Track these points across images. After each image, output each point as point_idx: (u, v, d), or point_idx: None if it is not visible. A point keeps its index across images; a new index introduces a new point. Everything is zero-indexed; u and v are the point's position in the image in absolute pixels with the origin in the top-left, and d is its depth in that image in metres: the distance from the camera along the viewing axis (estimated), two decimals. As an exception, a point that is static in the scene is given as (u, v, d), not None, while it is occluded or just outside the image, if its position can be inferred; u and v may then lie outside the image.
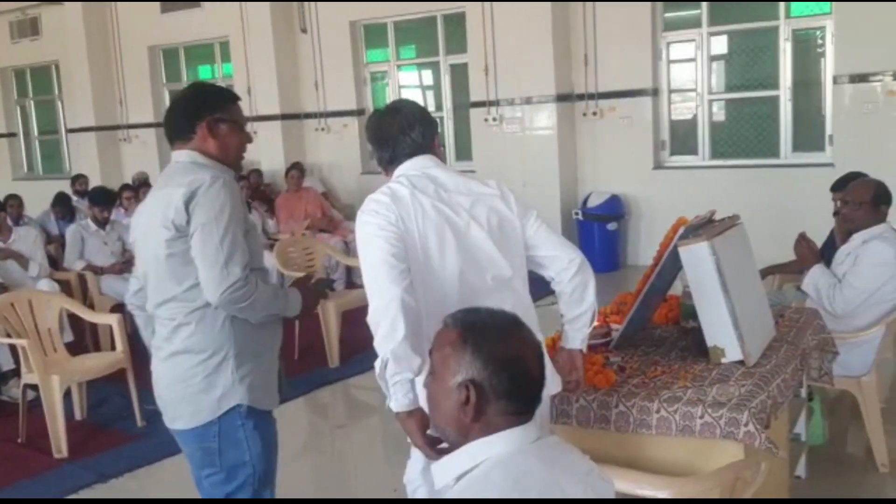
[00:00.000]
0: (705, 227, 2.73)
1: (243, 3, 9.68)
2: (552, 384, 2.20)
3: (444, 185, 2.28)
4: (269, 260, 6.84)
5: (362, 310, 5.97)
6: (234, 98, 2.44)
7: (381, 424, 5.08)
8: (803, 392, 3.11)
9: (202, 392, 2.25)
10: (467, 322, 1.53)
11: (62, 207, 7.82)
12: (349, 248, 7.72)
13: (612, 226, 7.93)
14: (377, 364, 2.09)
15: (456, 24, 8.97)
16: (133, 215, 2.46)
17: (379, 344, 2.08)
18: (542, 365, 1.53)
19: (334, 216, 8.32)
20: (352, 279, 7.55)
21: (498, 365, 1.47)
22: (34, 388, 4.47)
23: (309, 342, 5.70)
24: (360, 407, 5.49)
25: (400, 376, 2.05)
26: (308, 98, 9.89)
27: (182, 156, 2.34)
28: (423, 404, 2.04)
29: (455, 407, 1.48)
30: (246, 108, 9.97)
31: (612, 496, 1.58)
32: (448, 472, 1.51)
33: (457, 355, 1.49)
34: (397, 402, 2.06)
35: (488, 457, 1.45)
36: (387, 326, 2.06)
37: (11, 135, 12.71)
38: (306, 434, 5.00)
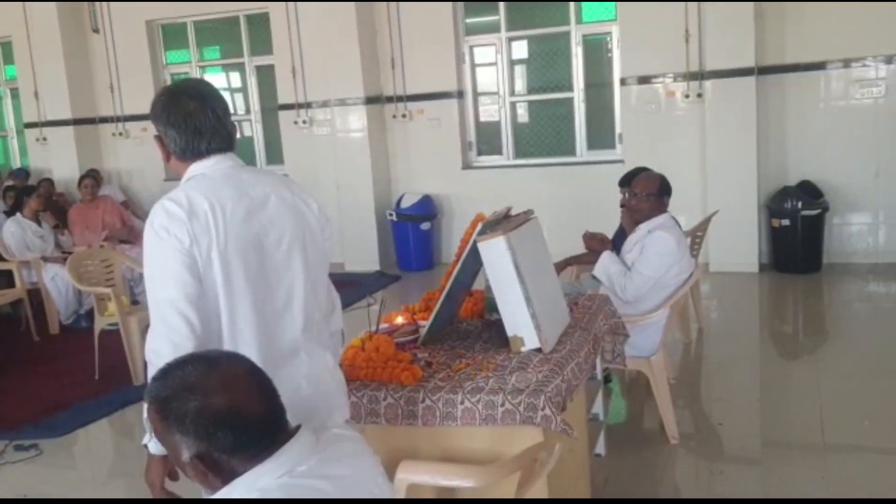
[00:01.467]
0: (502, 222, 2.83)
1: (25, 2, 8.96)
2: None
3: (252, 197, 2.01)
4: (65, 274, 6.39)
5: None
6: None
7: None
8: (599, 374, 3.30)
9: None
10: (159, 398, 1.43)
11: None
12: (154, 259, 7.36)
13: (425, 225, 8.07)
14: (146, 407, 1.97)
15: (260, 25, 8.77)
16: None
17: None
18: (265, 392, 1.45)
19: (135, 225, 7.88)
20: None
21: (210, 430, 1.38)
22: None
23: (111, 360, 5.37)
24: (171, 424, 5.24)
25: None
26: (103, 102, 9.32)
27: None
28: None
29: (199, 478, 1.42)
30: (34, 112, 9.32)
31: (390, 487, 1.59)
32: None
33: (167, 434, 1.42)
34: (156, 446, 1.91)
35: (264, 486, 1.40)
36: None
37: None
38: (112, 457, 4.71)
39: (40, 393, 5.23)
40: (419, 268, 8.04)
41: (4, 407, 4.99)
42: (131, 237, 7.49)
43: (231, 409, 1.38)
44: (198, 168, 2.02)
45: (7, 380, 5.51)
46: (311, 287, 2.10)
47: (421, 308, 3.20)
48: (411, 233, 8.03)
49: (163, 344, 1.88)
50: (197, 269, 1.90)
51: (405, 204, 8.08)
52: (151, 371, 1.88)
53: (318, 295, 2.14)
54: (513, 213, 3.02)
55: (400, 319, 3.08)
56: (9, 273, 6.78)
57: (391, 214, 8.08)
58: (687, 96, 7.21)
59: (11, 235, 6.92)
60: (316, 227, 2.14)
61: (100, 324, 5.51)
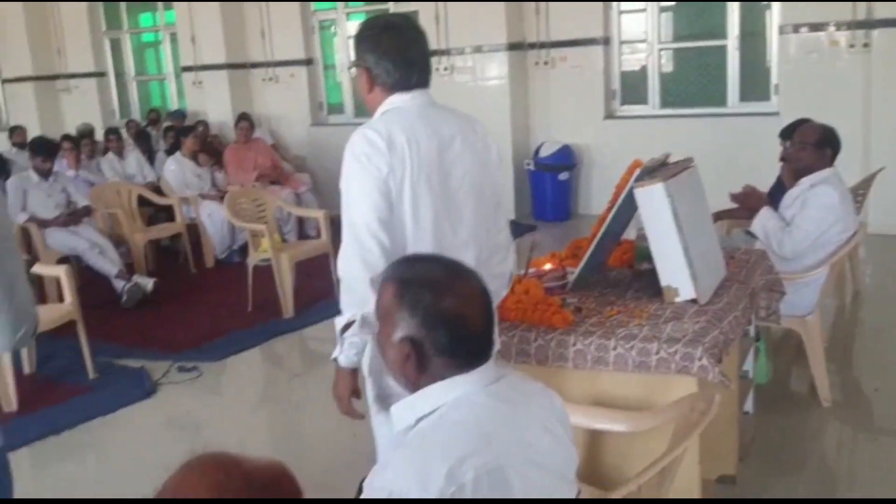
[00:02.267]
0: (660, 169, 2.76)
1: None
2: None
3: (442, 135, 2.13)
4: (221, 212, 6.76)
5: (315, 261, 6.00)
6: None
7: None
8: (752, 331, 3.20)
9: None
10: (403, 277, 1.49)
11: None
12: (300, 200, 7.67)
13: (563, 175, 7.99)
14: (339, 320, 2.10)
15: (407, -28, 8.82)
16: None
17: (348, 305, 2.07)
18: (488, 315, 1.49)
19: (284, 168, 8.22)
20: (304, 231, 7.50)
21: (435, 322, 1.43)
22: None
23: (263, 294, 5.66)
24: (316, 356, 5.49)
25: (358, 338, 2.07)
26: (254, 47, 9.66)
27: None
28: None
29: (399, 360, 1.48)
30: (191, 57, 9.77)
31: (570, 434, 1.60)
32: (407, 416, 1.50)
33: (394, 311, 1.47)
34: (347, 358, 2.09)
35: (445, 401, 1.45)
36: (360, 293, 2.02)
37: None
38: (262, 385, 5.00)
39: (198, 321, 5.60)
40: (555, 218, 7.99)
41: (167, 331, 5.38)
42: (281, 179, 7.82)
43: (459, 315, 1.44)
44: (397, 101, 2.13)
45: (169, 307, 5.92)
46: (483, 226, 2.21)
47: (568, 255, 3.18)
48: (549, 183, 7.98)
49: (355, 263, 2.03)
50: (390, 197, 2.04)
51: (544, 153, 8.01)
52: (343, 288, 2.07)
53: (489, 235, 2.24)
54: (670, 160, 2.94)
55: (548, 266, 3.09)
56: (170, 209, 7.23)
57: (529, 164, 8.04)
58: (852, 46, 6.74)
59: (172, 173, 7.36)
60: (493, 170, 2.25)
61: (253, 259, 5.81)
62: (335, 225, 5.93)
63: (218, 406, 4.57)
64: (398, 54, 2.08)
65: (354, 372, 2.13)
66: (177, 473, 0.96)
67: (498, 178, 2.31)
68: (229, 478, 0.92)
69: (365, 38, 2.13)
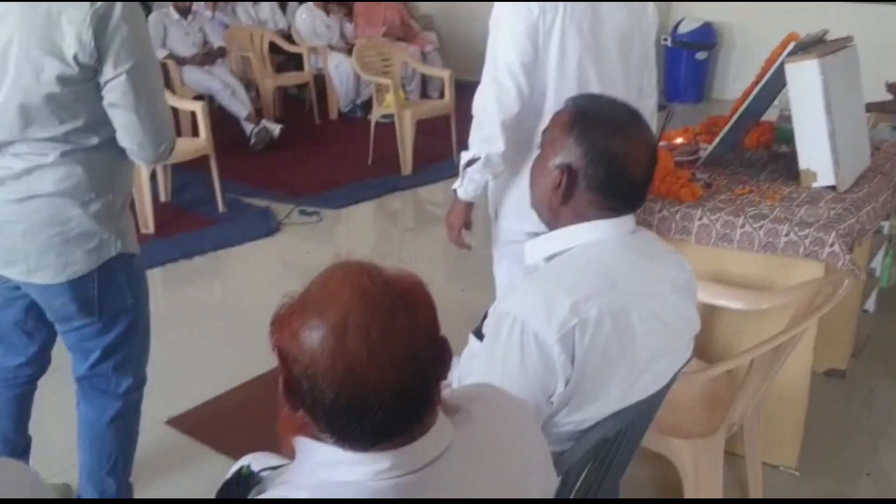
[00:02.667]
0: (816, 45, 2.59)
1: None
2: None
3: None
4: (347, 64, 6.81)
5: (437, 120, 6.02)
6: None
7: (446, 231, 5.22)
8: (886, 228, 3.05)
9: (74, 241, 1.88)
10: (581, 108, 1.50)
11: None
12: (426, 59, 7.60)
13: (701, 55, 7.60)
14: (465, 154, 2.18)
15: None
16: None
17: (476, 141, 2.14)
18: (649, 169, 1.49)
19: (412, 25, 8.12)
20: (427, 91, 7.48)
21: (598, 156, 1.44)
22: (122, 167, 4.65)
23: (383, 149, 5.75)
24: (429, 215, 5.60)
25: (480, 174, 2.16)
26: None
27: None
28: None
29: (548, 187, 1.49)
30: None
31: (695, 300, 1.60)
32: (540, 251, 1.54)
33: (561, 138, 1.48)
34: (465, 191, 2.22)
35: (580, 242, 1.47)
36: (489, 132, 2.09)
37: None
38: (375, 236, 5.17)
39: (320, 169, 5.76)
40: (687, 99, 7.67)
41: (291, 177, 5.57)
42: (408, 36, 7.75)
43: (625, 156, 1.44)
44: None
45: (293, 154, 6.10)
46: (631, 86, 2.22)
47: (703, 130, 3.07)
48: (685, 61, 7.61)
49: (491, 101, 2.07)
50: (538, 41, 2.05)
51: (682, 30, 7.61)
52: (474, 125, 2.12)
53: (636, 96, 2.23)
54: (828, 38, 2.75)
55: (679, 140, 3.00)
56: (298, 57, 7.33)
57: (666, 39, 7.66)
58: None
59: (303, 22, 7.40)
60: (647, 30, 2.24)
61: (376, 114, 5.87)
62: (460, 87, 5.95)
63: (334, 250, 4.76)
64: None
65: (470, 205, 2.26)
66: (322, 274, 1.02)
67: (651, 41, 2.29)
68: (372, 281, 0.96)
69: None
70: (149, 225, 4.47)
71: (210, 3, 7.24)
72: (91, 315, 1.99)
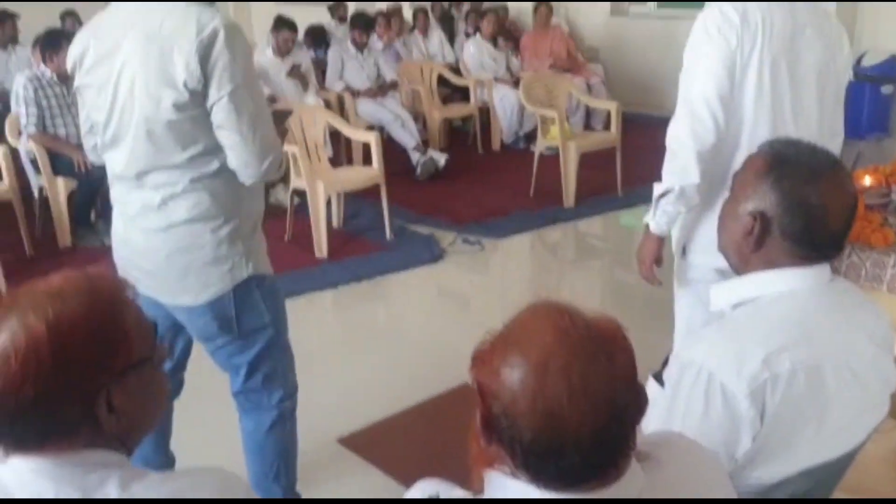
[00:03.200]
0: None
1: None
2: None
3: (797, 22, 2.06)
4: (512, 96, 6.91)
5: (601, 153, 5.95)
6: None
7: (609, 266, 5.17)
8: None
9: (211, 264, 2.01)
10: (779, 153, 1.44)
11: (314, 38, 8.20)
12: (591, 90, 7.59)
13: (886, 89, 7.14)
14: (658, 186, 2.15)
15: None
16: (82, 55, 2.01)
17: (669, 172, 2.11)
18: (849, 218, 1.41)
19: (578, 57, 8.14)
20: (590, 123, 7.46)
21: (795, 205, 1.38)
22: (300, 193, 4.93)
23: (546, 181, 5.78)
24: (590, 248, 5.58)
25: (673, 207, 2.12)
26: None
27: None
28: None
29: (739, 233, 1.45)
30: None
31: (891, 354, 1.51)
32: (727, 297, 1.49)
33: (755, 183, 1.43)
34: (657, 224, 2.17)
35: (771, 291, 1.42)
36: (684, 163, 2.06)
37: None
38: (536, 267, 5.19)
39: (483, 199, 5.86)
40: (871, 135, 7.21)
41: (455, 205, 5.70)
42: (574, 68, 7.77)
43: (823, 206, 1.38)
44: None
45: (457, 183, 6.25)
46: (823, 124, 2.13)
47: (894, 171, 2.90)
48: (868, 95, 7.16)
49: (684, 132, 2.05)
50: (734, 73, 2.02)
51: (867, 63, 7.17)
52: (667, 156, 2.10)
53: (826, 136, 2.15)
54: None
55: (868, 180, 2.84)
56: (465, 89, 7.51)
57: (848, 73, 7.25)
58: None
59: (470, 55, 7.59)
60: (842, 68, 2.16)
61: (540, 146, 5.92)
62: (625, 119, 5.90)
63: (495, 279, 4.84)
64: None
65: (661, 239, 2.21)
66: (522, 313, 1.05)
67: (845, 79, 2.19)
68: (573, 324, 0.98)
69: None
70: (322, 249, 4.71)
71: (384, 38, 7.55)
72: (230, 333, 2.10)
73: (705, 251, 2.12)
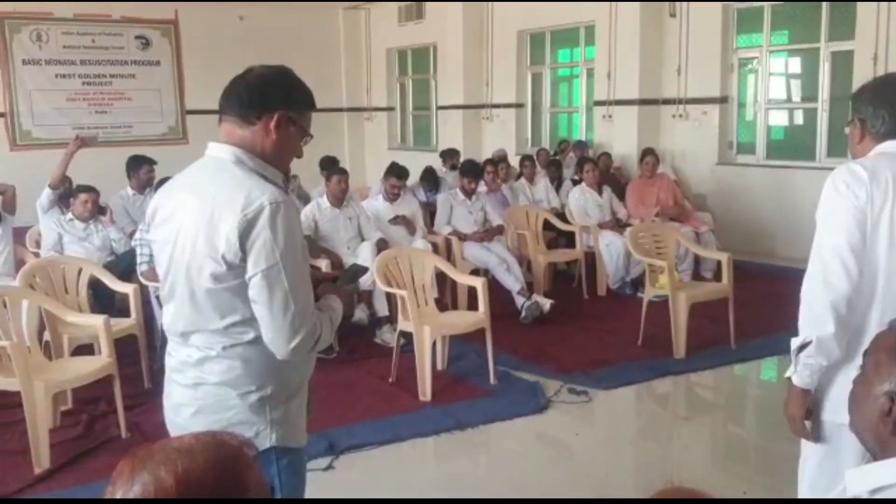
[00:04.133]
0: None
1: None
2: None
3: None
4: (619, 243, 6.91)
5: (711, 304, 5.80)
6: (314, 106, 2.12)
7: (723, 421, 4.93)
8: None
9: (234, 428, 1.94)
10: None
11: (429, 180, 8.56)
12: (700, 240, 7.51)
13: None
14: (795, 340, 2.15)
15: (843, 9, 8.20)
16: (155, 210, 2.09)
17: (805, 324, 2.13)
18: None
19: (686, 205, 8.12)
20: (699, 271, 7.34)
21: None
22: (406, 335, 4.98)
23: (654, 329, 5.65)
24: (703, 402, 5.34)
25: (814, 360, 2.11)
26: (668, 84, 9.71)
27: (224, 152, 1.98)
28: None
29: (875, 415, 1.37)
30: (604, 91, 10.12)
31: None
32: (864, 482, 1.39)
33: (889, 363, 1.37)
34: (801, 378, 2.15)
35: None
36: (818, 312, 2.08)
37: (390, 109, 14.16)
38: (646, 422, 4.99)
39: (588, 346, 5.76)
40: None
41: (560, 351, 5.62)
42: (682, 216, 7.74)
43: None
44: (886, 147, 2.17)
45: (562, 329, 6.18)
46: None
47: None
48: None
49: (817, 282, 2.09)
50: (865, 225, 2.07)
51: None
52: (802, 308, 2.13)
53: None
54: None
55: None
56: (570, 235, 7.57)
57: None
58: None
59: (575, 201, 7.68)
60: None
61: (649, 294, 5.83)
62: (735, 268, 5.78)
63: (602, 433, 4.66)
64: (890, 100, 2.17)
65: (807, 392, 2.18)
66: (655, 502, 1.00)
67: None
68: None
69: (869, 90, 2.25)
70: (426, 393, 4.69)
71: (491, 184, 7.76)
72: None
73: (837, 409, 2.07)
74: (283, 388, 2.02)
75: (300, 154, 2.09)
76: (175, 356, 2.06)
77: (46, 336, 4.67)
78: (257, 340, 1.95)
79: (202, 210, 1.91)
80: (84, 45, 11.89)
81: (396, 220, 6.42)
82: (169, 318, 2.05)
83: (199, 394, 2.01)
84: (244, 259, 1.88)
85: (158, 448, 1.12)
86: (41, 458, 3.83)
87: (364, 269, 2.40)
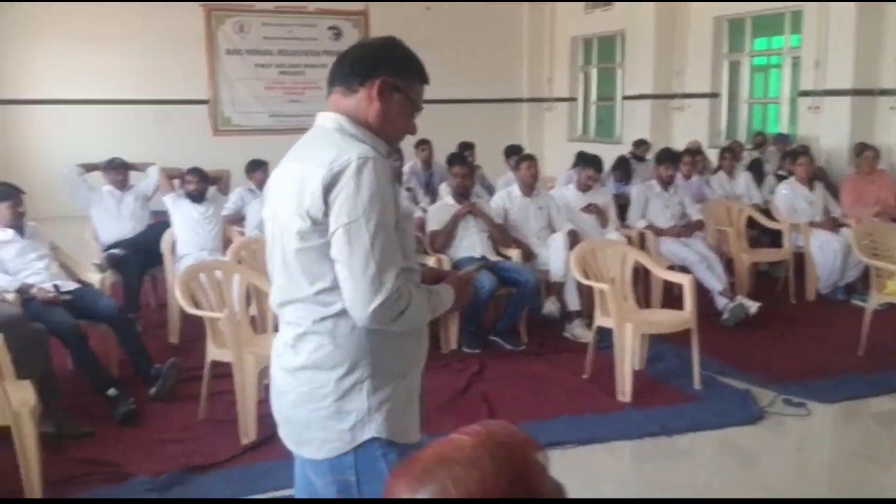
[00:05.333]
0: None
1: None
2: None
3: None
4: (835, 243, 6.30)
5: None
6: (424, 78, 1.96)
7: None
8: None
9: (332, 418, 1.83)
10: None
11: (622, 170, 8.20)
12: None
13: None
14: None
15: None
16: (268, 187, 2.00)
17: None
18: None
19: (909, 204, 7.31)
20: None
21: None
22: (603, 331, 4.73)
23: (879, 340, 5.09)
24: (938, 427, 4.73)
25: None
26: (886, 73, 8.79)
27: (328, 121, 1.90)
28: None
29: None
30: (810, 81, 9.34)
31: None
32: None
33: None
34: None
35: None
36: None
37: (572, 99, 13.83)
38: (873, 442, 4.46)
39: (801, 354, 5.26)
40: None
41: (769, 359, 5.17)
42: (906, 216, 6.98)
43: None
44: None
45: (769, 334, 5.71)
46: None
47: None
48: None
49: None
50: None
51: None
52: None
53: None
54: None
55: None
56: (774, 233, 7.00)
57: None
58: None
59: (783, 198, 7.09)
60: None
61: (874, 301, 5.25)
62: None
63: (824, 452, 4.23)
64: None
65: None
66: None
67: None
68: None
69: None
70: (626, 393, 4.43)
71: (687, 173, 7.32)
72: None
73: None
74: (382, 370, 1.84)
75: (412, 129, 1.97)
76: (279, 338, 1.95)
77: (251, 311, 4.80)
78: (346, 312, 1.80)
79: (297, 173, 1.82)
80: (282, 37, 12.40)
81: (590, 207, 6.15)
82: (272, 294, 1.95)
83: (296, 380, 1.87)
84: (327, 214, 1.76)
85: (435, 460, 0.98)
86: (248, 430, 3.93)
87: (475, 272, 2.17)
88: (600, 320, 4.73)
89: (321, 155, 1.78)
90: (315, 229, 1.77)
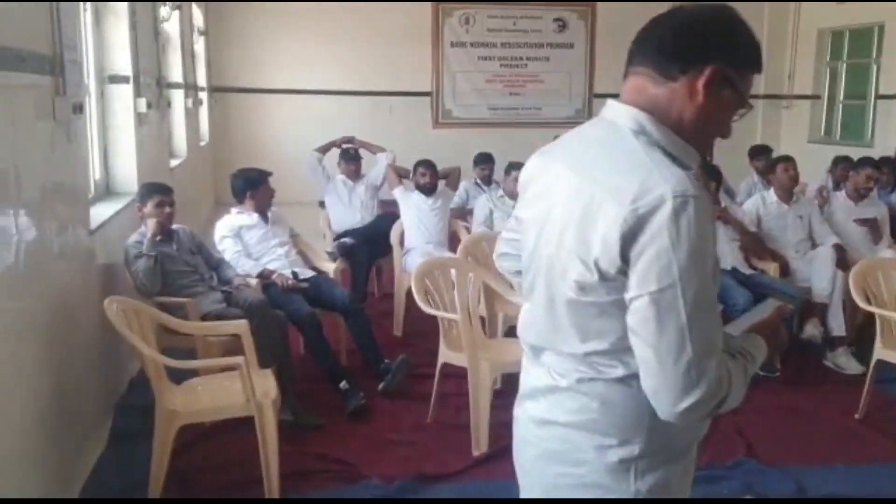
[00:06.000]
0: None
1: None
2: None
3: None
4: None
5: None
6: (759, 67, 1.46)
7: None
8: None
9: (584, 491, 1.48)
10: None
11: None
12: None
13: None
14: None
15: None
16: (527, 182, 1.60)
17: None
18: None
19: None
20: None
21: None
22: (884, 364, 4.06)
23: None
24: None
25: None
26: None
27: (624, 117, 1.44)
28: None
29: None
30: None
31: None
32: None
33: None
34: None
35: None
36: None
37: (815, 97, 12.61)
38: None
39: None
40: None
41: None
42: None
43: None
44: None
45: None
46: None
47: None
48: None
49: None
50: None
51: None
52: None
53: None
54: None
55: None
56: None
57: None
58: None
59: None
60: None
61: None
62: None
63: None
64: None
65: None
66: None
67: None
68: None
69: None
70: None
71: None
72: None
73: None
74: (661, 448, 1.47)
75: (727, 132, 1.49)
76: (527, 376, 1.61)
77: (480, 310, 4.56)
78: (628, 380, 1.42)
79: (580, 193, 1.40)
80: (506, 29, 12.24)
81: (866, 222, 5.40)
82: (522, 321, 1.61)
83: (546, 434, 1.53)
84: (625, 271, 1.33)
85: None
86: (480, 441, 3.69)
87: (794, 302, 1.73)
88: (881, 353, 4.05)
89: (618, 180, 1.35)
90: (603, 285, 1.38)
